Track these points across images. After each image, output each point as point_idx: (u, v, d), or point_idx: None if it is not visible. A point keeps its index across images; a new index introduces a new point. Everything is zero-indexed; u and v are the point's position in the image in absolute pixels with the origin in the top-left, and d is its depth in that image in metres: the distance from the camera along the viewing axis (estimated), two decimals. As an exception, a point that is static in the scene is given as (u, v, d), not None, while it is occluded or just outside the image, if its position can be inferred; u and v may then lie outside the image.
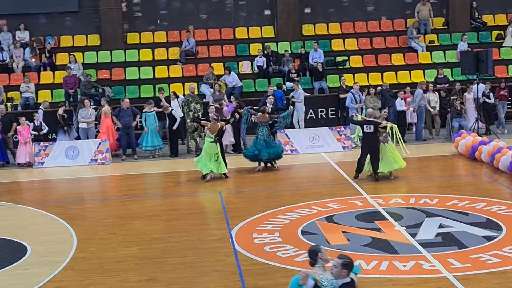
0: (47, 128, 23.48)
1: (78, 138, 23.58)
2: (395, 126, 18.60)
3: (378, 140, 18.21)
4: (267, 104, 22.10)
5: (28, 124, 23.01)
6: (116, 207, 17.26)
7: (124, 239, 14.31)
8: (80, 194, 19.11)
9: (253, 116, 21.18)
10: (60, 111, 23.80)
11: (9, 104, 26.00)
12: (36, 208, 17.13)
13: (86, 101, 23.64)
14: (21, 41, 28.58)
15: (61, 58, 28.61)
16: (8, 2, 28.77)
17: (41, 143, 22.72)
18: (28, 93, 26.49)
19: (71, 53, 28.08)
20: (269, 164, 20.54)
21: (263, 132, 20.22)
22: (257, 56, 28.41)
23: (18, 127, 22.80)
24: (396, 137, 18.37)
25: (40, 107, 24.71)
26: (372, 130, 18.08)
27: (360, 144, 19.37)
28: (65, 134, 23.63)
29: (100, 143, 22.65)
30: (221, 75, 27.28)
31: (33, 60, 28.22)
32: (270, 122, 20.60)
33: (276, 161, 20.60)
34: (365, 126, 18.22)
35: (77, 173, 21.42)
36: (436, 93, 24.74)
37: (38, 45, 28.64)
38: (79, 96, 25.94)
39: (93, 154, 22.64)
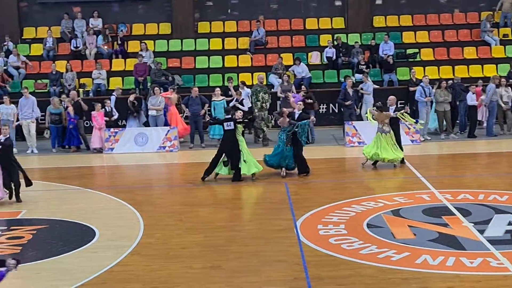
0: (117, 114, 23.83)
1: (146, 124, 23.88)
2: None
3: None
4: (295, 108, 19.85)
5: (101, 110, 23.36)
6: (183, 194, 17.42)
7: (189, 226, 14.43)
8: (148, 181, 19.34)
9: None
10: (131, 97, 24.13)
11: (81, 90, 26.48)
12: (105, 193, 17.42)
13: (156, 88, 23.89)
14: (94, 29, 29.06)
15: (133, 46, 28.99)
16: (83, -10, 29.34)
17: (111, 129, 23.07)
18: (100, 80, 26.94)
19: (143, 41, 28.44)
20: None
21: (281, 137, 18.47)
22: (326, 47, 28.30)
23: (92, 113, 23.16)
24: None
25: (113, 93, 25.06)
26: None
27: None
28: (135, 119, 23.95)
29: (168, 131, 22.88)
30: (290, 66, 27.27)
31: (106, 47, 28.66)
32: (289, 128, 18.36)
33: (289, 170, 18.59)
34: None
35: (145, 160, 21.68)
36: (509, 88, 24.26)
37: (111, 33, 29.08)
38: (148, 84, 26.26)
39: (162, 141, 22.90)
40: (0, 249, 13.16)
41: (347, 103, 23.59)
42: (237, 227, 14.21)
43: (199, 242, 13.23)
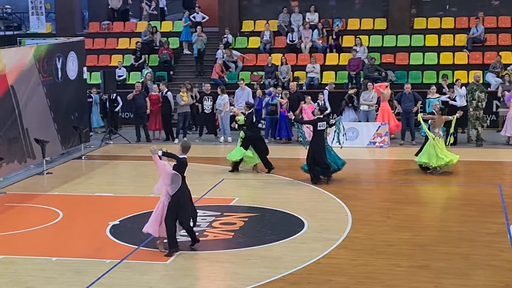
0: (329, 109, 24.03)
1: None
2: None
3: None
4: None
5: (312, 103, 23.68)
6: (391, 191, 17.31)
7: (397, 223, 14.33)
8: (357, 175, 19.35)
9: None
10: (351, 91, 24.44)
11: (294, 83, 26.95)
12: (314, 186, 17.65)
13: (369, 84, 23.87)
14: (311, 23, 29.47)
15: (347, 41, 29.10)
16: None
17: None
18: (314, 74, 27.29)
19: (357, 36, 28.48)
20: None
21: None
22: (550, 45, 26.99)
23: (303, 105, 23.55)
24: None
25: (326, 87, 25.31)
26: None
27: None
28: (350, 109, 24.14)
29: (379, 126, 22.80)
30: (509, 65, 26.24)
31: (320, 41, 28.99)
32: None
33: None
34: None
35: (355, 154, 21.68)
36: None
37: (326, 27, 29.38)
38: (361, 79, 26.28)
39: (372, 137, 22.86)
40: (214, 234, 13.76)
41: None
42: (447, 227, 13.92)
43: (407, 240, 13.12)
